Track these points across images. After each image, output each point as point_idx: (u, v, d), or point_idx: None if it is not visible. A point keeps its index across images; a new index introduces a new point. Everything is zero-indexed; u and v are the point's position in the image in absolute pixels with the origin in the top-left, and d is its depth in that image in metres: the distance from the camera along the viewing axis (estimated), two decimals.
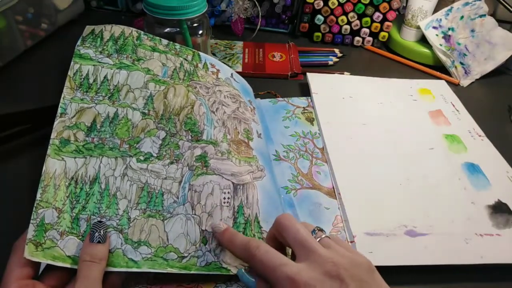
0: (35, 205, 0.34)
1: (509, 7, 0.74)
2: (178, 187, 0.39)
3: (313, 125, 0.57)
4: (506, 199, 0.47)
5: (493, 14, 0.81)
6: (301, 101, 0.61)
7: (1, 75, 0.62)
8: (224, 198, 0.39)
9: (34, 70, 0.64)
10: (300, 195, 0.46)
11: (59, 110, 0.40)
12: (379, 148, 0.54)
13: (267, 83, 0.66)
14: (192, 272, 0.35)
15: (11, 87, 0.60)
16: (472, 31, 0.74)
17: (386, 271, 0.40)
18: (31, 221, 0.33)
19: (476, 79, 0.73)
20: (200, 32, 0.60)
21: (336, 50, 0.76)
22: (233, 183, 0.41)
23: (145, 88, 0.44)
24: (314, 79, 0.65)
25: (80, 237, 0.34)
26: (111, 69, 0.44)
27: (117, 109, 0.42)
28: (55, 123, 0.39)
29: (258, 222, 0.39)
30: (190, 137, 0.43)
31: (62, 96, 0.41)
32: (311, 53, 0.76)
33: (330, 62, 0.73)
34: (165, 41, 0.51)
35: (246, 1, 0.74)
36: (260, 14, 0.76)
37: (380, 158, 0.52)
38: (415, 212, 0.45)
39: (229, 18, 0.77)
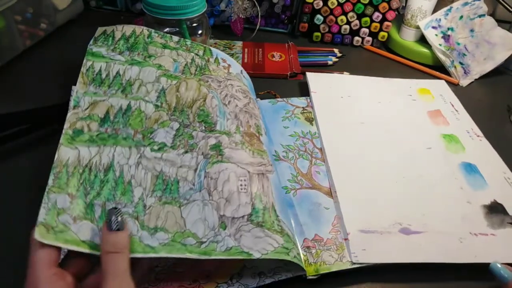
0: (46, 190, 0.33)
1: (508, 7, 0.74)
2: (193, 175, 0.38)
3: (312, 125, 0.57)
4: (502, 199, 0.48)
5: (492, 14, 0.81)
6: (301, 101, 0.61)
7: (0, 75, 0.62)
8: (241, 185, 0.39)
9: (33, 70, 0.64)
10: (300, 195, 0.46)
11: (72, 103, 0.40)
12: (376, 147, 0.54)
13: (266, 83, 0.66)
14: (212, 257, 0.34)
15: (10, 87, 0.60)
16: (472, 31, 0.74)
17: (379, 269, 0.41)
18: (42, 205, 0.32)
19: (476, 79, 0.73)
20: (200, 32, 0.60)
21: (336, 50, 0.76)
22: (248, 171, 0.40)
23: (157, 82, 0.44)
24: (313, 78, 0.65)
25: (95, 222, 0.33)
26: (123, 65, 0.45)
27: (130, 102, 0.42)
28: (68, 114, 0.39)
29: (275, 211, 0.39)
30: (203, 128, 0.42)
31: (76, 90, 0.41)
32: (310, 53, 0.76)
33: (330, 62, 0.73)
34: (176, 38, 0.51)
35: (245, 1, 0.74)
36: (259, 14, 0.76)
37: (378, 156, 0.52)
38: (410, 211, 0.45)
39: (229, 18, 0.77)
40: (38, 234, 0.30)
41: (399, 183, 0.49)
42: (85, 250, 0.31)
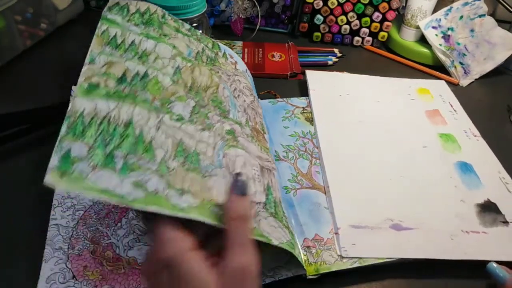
0: (59, 139, 0.29)
1: (508, 7, 0.74)
2: (212, 152, 0.36)
3: (312, 125, 0.57)
4: (495, 199, 0.48)
5: (492, 14, 0.81)
6: (301, 101, 0.61)
7: (0, 75, 0.62)
8: (255, 174, 0.38)
9: (33, 70, 0.64)
10: (300, 195, 0.46)
11: (88, 59, 0.36)
12: (372, 144, 0.54)
13: (266, 83, 0.66)
14: None
15: (10, 87, 0.60)
16: (472, 31, 0.74)
17: (379, 269, 0.41)
18: (55, 152, 0.28)
19: (476, 79, 0.73)
20: (200, 32, 0.60)
21: (336, 50, 0.76)
22: (259, 164, 0.40)
23: (173, 59, 0.42)
24: (313, 76, 0.65)
25: (117, 173, 0.29)
26: (139, 36, 0.42)
27: (147, 69, 0.39)
28: (83, 69, 0.35)
29: (282, 207, 0.39)
30: (218, 112, 0.41)
31: (90, 49, 0.37)
32: (310, 53, 0.76)
33: (330, 62, 0.73)
34: (187, 26, 0.49)
35: (245, 1, 0.74)
36: (259, 14, 0.76)
37: (373, 154, 0.52)
38: (403, 207, 0.46)
39: (229, 18, 0.77)
40: (51, 179, 0.27)
41: (394, 181, 0.49)
42: (106, 198, 0.28)
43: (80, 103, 0.32)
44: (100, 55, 0.37)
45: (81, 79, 0.34)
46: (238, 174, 0.32)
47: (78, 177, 0.28)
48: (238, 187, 0.31)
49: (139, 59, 0.39)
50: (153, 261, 0.29)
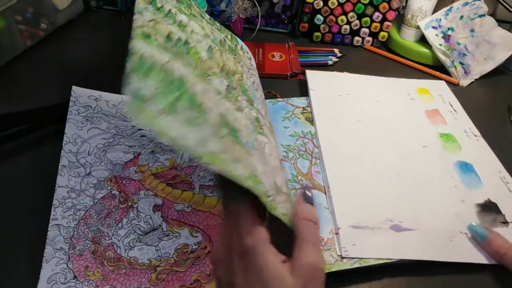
0: (126, 73, 0.28)
1: (508, 7, 0.74)
2: (247, 133, 0.35)
3: (312, 125, 0.57)
4: (496, 198, 0.48)
5: (492, 14, 0.81)
6: (301, 101, 0.61)
7: (0, 75, 0.62)
8: (276, 166, 0.37)
9: (33, 70, 0.64)
10: None
11: (136, 10, 0.35)
12: (372, 144, 0.54)
13: (266, 83, 0.66)
14: (275, 214, 0.31)
15: (10, 87, 0.60)
16: (472, 31, 0.74)
17: (379, 269, 0.41)
18: (125, 85, 0.27)
19: (476, 79, 0.73)
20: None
21: (336, 50, 0.76)
22: (278, 157, 0.39)
23: (205, 38, 0.41)
24: (313, 76, 0.65)
25: (180, 124, 0.28)
26: (174, 8, 0.40)
27: (187, 38, 0.37)
28: (134, 17, 0.33)
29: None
30: (245, 99, 0.40)
31: (137, 2, 0.36)
32: (310, 53, 0.76)
33: (330, 62, 0.73)
34: (208, 15, 0.48)
35: (245, 1, 0.74)
36: (259, 14, 0.76)
37: (373, 154, 0.53)
38: (402, 208, 0.46)
39: (229, 18, 0.77)
40: (130, 110, 0.26)
41: (394, 181, 0.49)
42: (175, 145, 0.27)
43: (139, 45, 0.30)
44: (146, 10, 0.35)
45: (135, 24, 0.32)
46: (306, 188, 0.34)
47: (151, 116, 0.26)
48: (307, 198, 0.33)
49: (178, 26, 0.38)
50: (229, 248, 0.29)
